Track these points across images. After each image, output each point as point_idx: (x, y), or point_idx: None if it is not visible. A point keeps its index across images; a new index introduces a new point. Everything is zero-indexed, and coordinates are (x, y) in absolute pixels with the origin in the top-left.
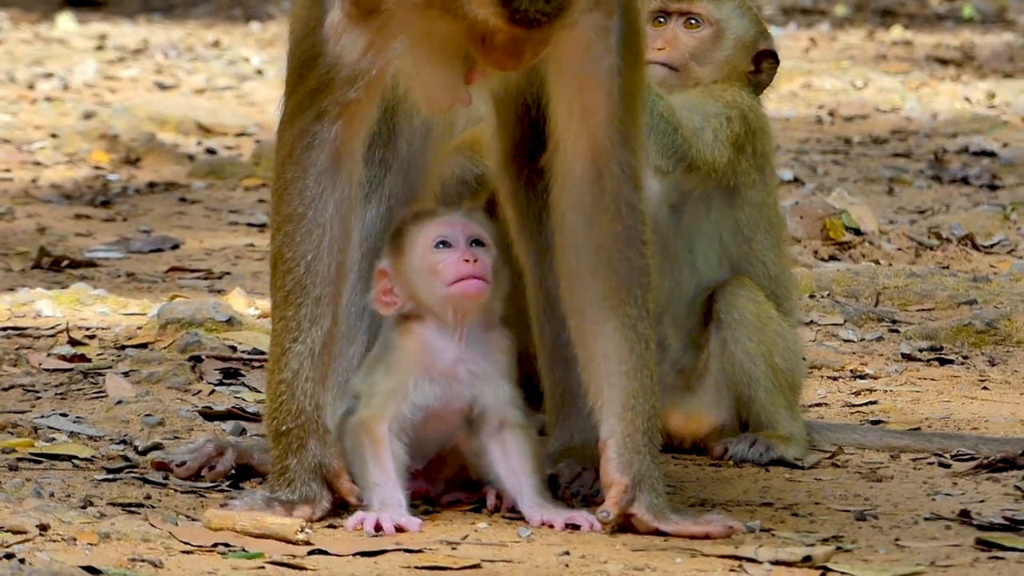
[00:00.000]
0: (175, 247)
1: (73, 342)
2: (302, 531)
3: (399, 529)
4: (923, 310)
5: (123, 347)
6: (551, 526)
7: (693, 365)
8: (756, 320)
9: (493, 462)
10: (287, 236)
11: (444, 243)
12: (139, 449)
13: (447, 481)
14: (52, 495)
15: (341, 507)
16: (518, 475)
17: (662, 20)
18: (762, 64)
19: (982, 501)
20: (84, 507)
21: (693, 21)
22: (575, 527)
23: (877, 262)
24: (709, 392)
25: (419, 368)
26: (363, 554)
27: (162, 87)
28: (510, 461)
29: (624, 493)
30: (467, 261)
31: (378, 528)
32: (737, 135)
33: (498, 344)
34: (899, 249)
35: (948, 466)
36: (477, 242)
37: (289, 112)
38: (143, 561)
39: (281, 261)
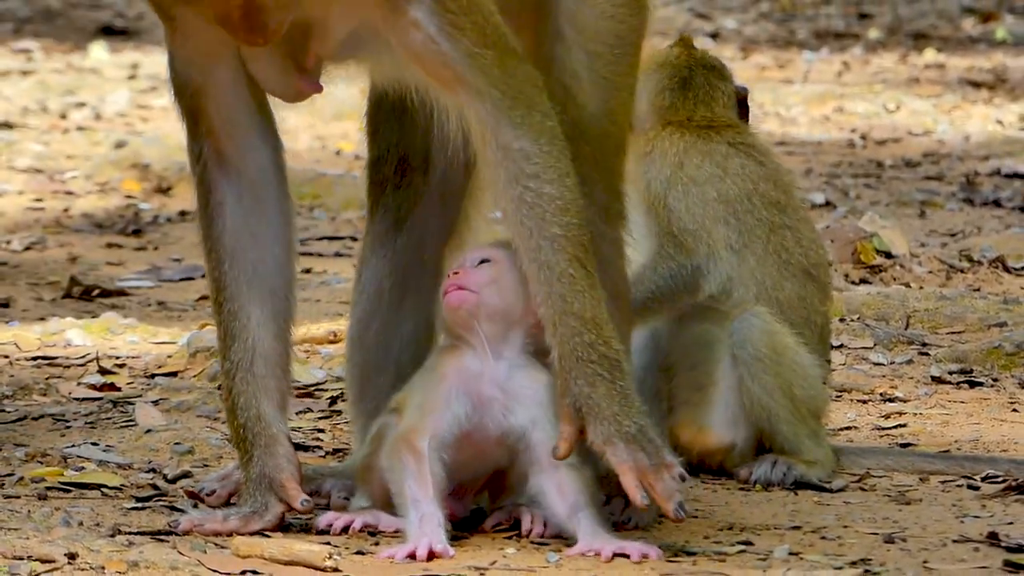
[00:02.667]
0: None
1: (103, 371)
2: (330, 558)
3: (432, 556)
4: (953, 333)
5: (153, 376)
6: (598, 553)
7: (710, 381)
8: (772, 353)
9: (552, 503)
10: (206, 257)
11: (458, 269)
12: (168, 477)
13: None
14: (81, 524)
15: (376, 535)
16: (576, 512)
17: None
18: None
19: (1011, 523)
20: (113, 535)
21: None
22: (625, 556)
23: (908, 285)
24: (724, 416)
25: (453, 385)
26: None
27: None
28: (567, 499)
29: (569, 424)
30: (455, 274)
31: (411, 556)
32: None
33: (542, 378)
34: (930, 272)
35: (977, 488)
36: (484, 260)
37: (187, 135)
38: None
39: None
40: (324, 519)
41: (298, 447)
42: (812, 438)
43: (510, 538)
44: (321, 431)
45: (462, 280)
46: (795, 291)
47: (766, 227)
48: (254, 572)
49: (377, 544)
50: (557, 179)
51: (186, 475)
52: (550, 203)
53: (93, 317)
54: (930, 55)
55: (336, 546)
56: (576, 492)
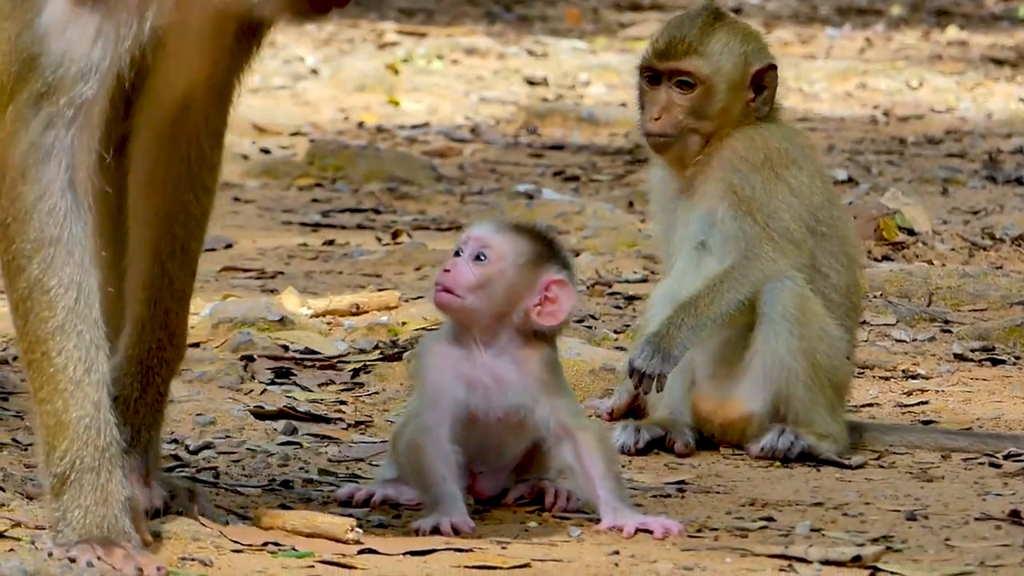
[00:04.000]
0: (228, 246)
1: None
2: (352, 530)
3: (456, 530)
4: (975, 310)
5: None
6: (620, 530)
7: (738, 356)
8: (800, 315)
9: (569, 471)
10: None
11: (457, 252)
12: (190, 448)
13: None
14: None
15: (399, 508)
16: (592, 480)
17: (653, 81)
18: (763, 80)
19: None
20: None
21: (684, 83)
22: (648, 531)
23: (930, 262)
24: (746, 382)
25: (447, 371)
26: (413, 553)
27: None
28: (585, 467)
29: None
30: (445, 271)
31: (436, 531)
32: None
33: (536, 356)
34: (952, 249)
35: (999, 466)
36: (479, 255)
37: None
38: (193, 560)
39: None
40: (345, 490)
41: (320, 419)
42: (829, 410)
43: (532, 512)
44: (343, 403)
45: (451, 281)
46: (844, 279)
47: (832, 222)
48: (276, 543)
49: (398, 517)
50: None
51: (208, 446)
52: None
53: None
54: (953, 32)
55: (359, 518)
56: (591, 460)
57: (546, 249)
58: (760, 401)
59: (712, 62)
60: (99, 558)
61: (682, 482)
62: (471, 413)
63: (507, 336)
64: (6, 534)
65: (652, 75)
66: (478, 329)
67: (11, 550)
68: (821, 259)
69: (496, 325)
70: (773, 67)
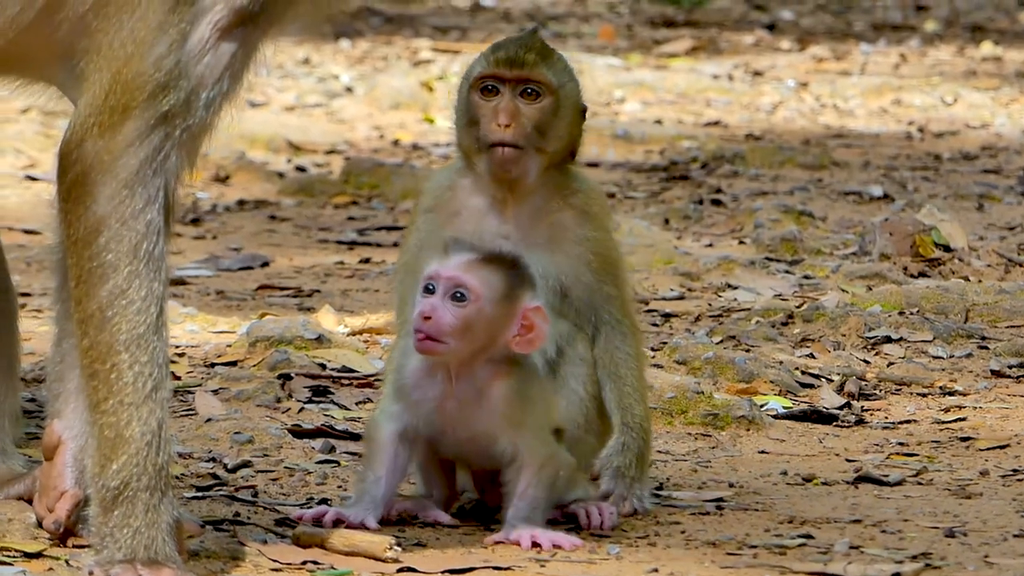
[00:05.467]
0: (265, 265)
1: (170, 361)
2: (391, 548)
3: (362, 525)
4: (1012, 326)
5: (212, 365)
6: (517, 543)
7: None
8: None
9: (507, 492)
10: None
11: (428, 288)
12: (228, 467)
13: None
14: None
15: (427, 524)
16: (511, 497)
17: (492, 89)
18: (583, 120)
19: None
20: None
21: (531, 91)
22: (538, 546)
23: (967, 279)
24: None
25: (416, 393)
26: (452, 571)
27: (252, 105)
28: (519, 489)
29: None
30: (425, 318)
31: (338, 522)
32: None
33: (503, 389)
34: (989, 266)
35: None
36: (457, 296)
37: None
38: None
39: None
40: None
41: (358, 437)
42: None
43: (570, 530)
44: None
45: (434, 329)
46: None
47: None
48: (315, 562)
49: (439, 540)
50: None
51: (246, 464)
52: None
53: None
54: (987, 48)
55: (397, 536)
56: (521, 482)
57: (518, 277)
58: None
59: (559, 76)
60: None
61: (720, 499)
62: (439, 427)
63: (480, 366)
64: (45, 553)
65: (490, 83)
66: (456, 364)
67: (50, 569)
68: None
69: (474, 359)
70: (586, 109)
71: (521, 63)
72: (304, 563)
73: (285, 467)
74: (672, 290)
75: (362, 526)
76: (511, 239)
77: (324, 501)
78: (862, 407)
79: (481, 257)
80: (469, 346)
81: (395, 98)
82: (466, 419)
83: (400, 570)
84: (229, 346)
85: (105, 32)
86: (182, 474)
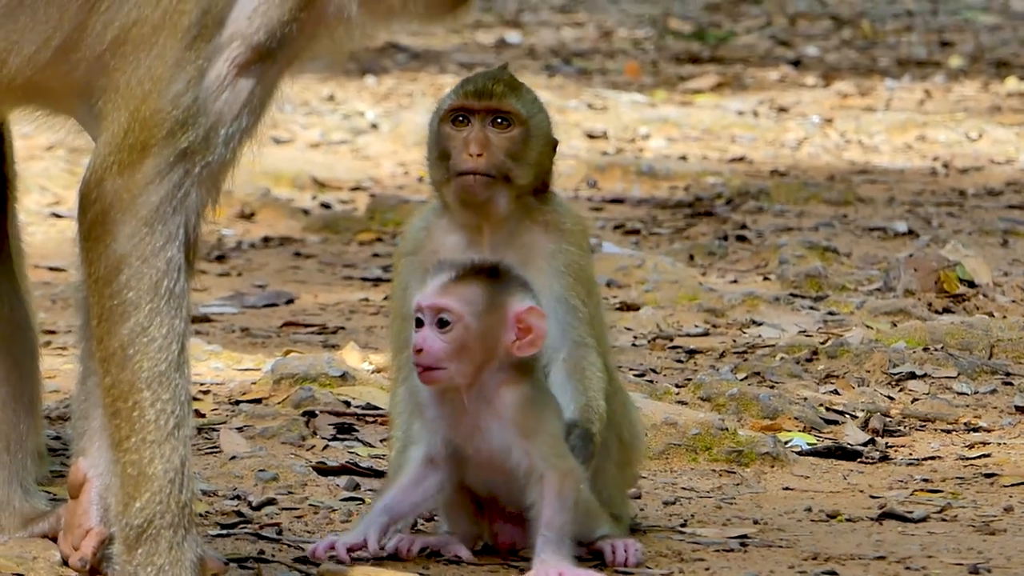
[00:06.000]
0: (289, 302)
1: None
2: None
3: (363, 545)
4: None
5: (237, 402)
6: None
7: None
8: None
9: (533, 514)
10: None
11: (418, 322)
12: (253, 504)
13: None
14: None
15: (451, 561)
16: (538, 525)
17: (463, 120)
18: (553, 154)
19: None
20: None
21: (501, 120)
22: None
23: (991, 315)
24: None
25: (433, 415)
26: None
27: (277, 142)
28: (539, 509)
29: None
30: (418, 351)
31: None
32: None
33: (513, 397)
34: (1013, 301)
35: None
36: (442, 322)
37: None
38: None
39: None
40: (393, 541)
41: (382, 475)
42: (622, 489)
43: (594, 566)
44: None
45: (428, 360)
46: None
47: None
48: None
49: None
50: None
51: (270, 502)
52: None
53: None
54: (1012, 83)
55: (422, 574)
56: (547, 506)
57: (499, 283)
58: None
59: (529, 107)
60: None
61: (744, 536)
62: (460, 450)
63: (489, 377)
64: None
65: (461, 114)
66: (463, 381)
67: None
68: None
69: (480, 372)
70: (557, 143)
71: (490, 94)
72: None
73: (310, 504)
74: (697, 326)
75: (363, 545)
76: None
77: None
78: (886, 443)
79: (458, 275)
80: (469, 364)
81: (420, 135)
82: (481, 433)
83: None
84: (254, 383)
85: (123, 71)
86: (207, 512)
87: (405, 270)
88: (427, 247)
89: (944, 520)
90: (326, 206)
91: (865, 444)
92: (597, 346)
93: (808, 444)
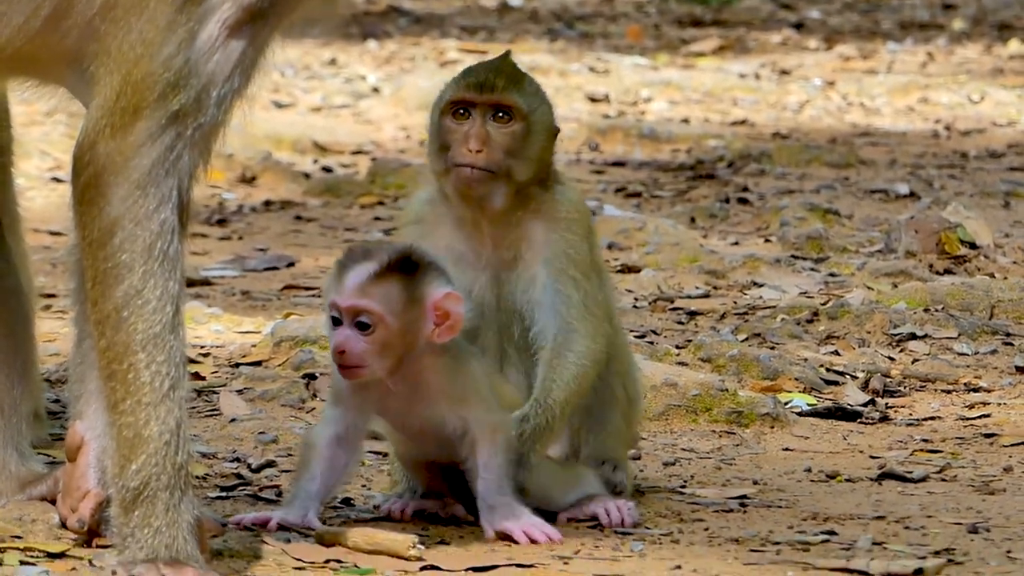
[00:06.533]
0: (290, 265)
1: (188, 360)
2: (414, 547)
3: (306, 527)
4: None
5: (237, 365)
6: (510, 537)
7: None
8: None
9: (469, 470)
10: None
11: (335, 319)
12: (252, 467)
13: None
14: None
15: (453, 521)
16: (475, 472)
17: (463, 113)
18: (555, 141)
19: None
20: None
21: (503, 115)
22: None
23: (992, 276)
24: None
25: (357, 397)
26: (475, 569)
27: (279, 105)
28: (473, 460)
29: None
30: (340, 353)
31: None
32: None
33: (436, 368)
34: (1014, 262)
35: None
36: (361, 324)
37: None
38: None
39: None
40: (387, 504)
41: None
42: (625, 447)
43: (592, 528)
44: None
45: (351, 360)
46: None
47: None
48: (338, 561)
49: (462, 538)
50: None
51: (270, 464)
52: None
53: None
54: (1015, 46)
55: (420, 535)
56: (481, 453)
57: (413, 274)
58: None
59: (530, 101)
60: None
61: (744, 497)
62: (391, 424)
63: (409, 361)
64: (68, 553)
65: (462, 107)
66: (387, 374)
67: (73, 569)
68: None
69: (402, 361)
70: (559, 131)
71: (492, 87)
72: (327, 562)
73: None
74: (697, 288)
75: (307, 527)
76: (489, 266)
77: (347, 500)
78: (886, 404)
79: (374, 274)
80: (391, 358)
81: (422, 99)
82: (410, 409)
83: (423, 568)
84: (254, 346)
85: (113, 35)
86: (206, 474)
87: (407, 238)
88: (429, 220)
89: (944, 480)
90: (327, 170)
91: (865, 405)
92: (599, 326)
93: (808, 405)
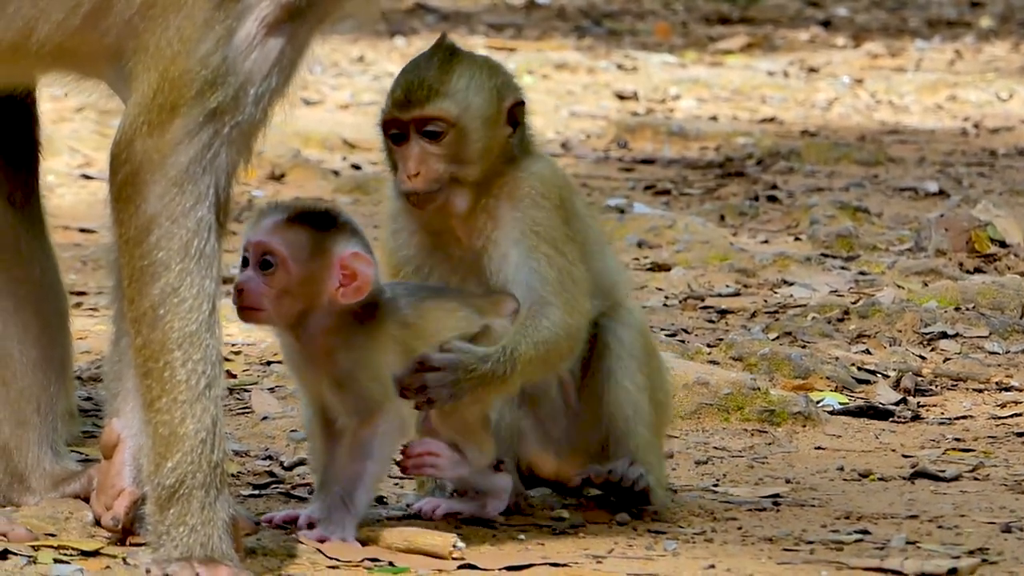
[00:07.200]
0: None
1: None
2: (455, 548)
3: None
4: None
5: (269, 363)
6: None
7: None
8: (643, 352)
9: (336, 454)
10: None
11: (245, 260)
12: (285, 465)
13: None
14: None
15: (484, 521)
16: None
17: (399, 138)
18: (517, 116)
19: None
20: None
21: (431, 129)
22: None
23: (1022, 274)
24: (587, 429)
25: (287, 362)
26: (511, 568)
27: (307, 103)
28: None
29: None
30: (239, 291)
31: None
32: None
33: (331, 346)
34: None
35: None
36: (265, 263)
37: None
38: None
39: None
40: (419, 504)
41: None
42: (659, 452)
43: (623, 526)
44: None
45: (249, 301)
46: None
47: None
48: (373, 560)
49: (495, 536)
50: None
51: (302, 462)
52: None
53: None
54: None
55: (460, 535)
56: (353, 455)
57: (327, 228)
58: (596, 444)
59: (459, 101)
60: (198, 575)
61: (777, 495)
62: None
63: (313, 322)
64: (102, 552)
65: (397, 130)
66: (288, 327)
67: (107, 568)
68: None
69: (305, 318)
70: (522, 103)
71: (415, 102)
72: (362, 560)
73: None
74: (728, 286)
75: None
76: (464, 255)
77: (380, 499)
78: (918, 403)
79: (288, 217)
80: (291, 308)
81: None
82: (316, 372)
83: (460, 567)
84: None
85: (152, 32)
86: (239, 472)
87: (387, 235)
88: (402, 216)
89: (976, 479)
90: (356, 167)
91: (897, 403)
92: (576, 301)
93: (840, 403)
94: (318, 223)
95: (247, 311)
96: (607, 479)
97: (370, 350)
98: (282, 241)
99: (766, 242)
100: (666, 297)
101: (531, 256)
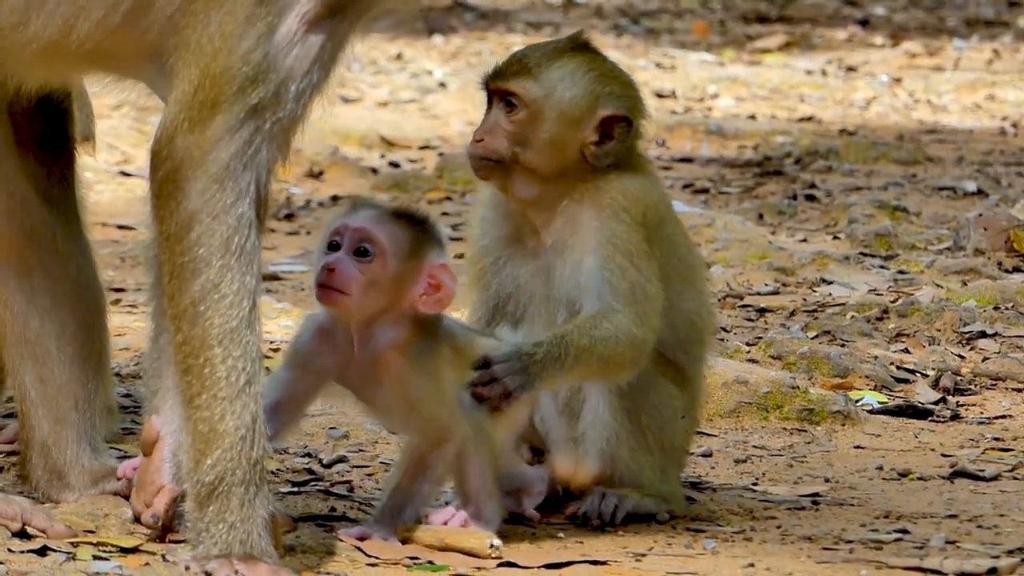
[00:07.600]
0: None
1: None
2: (492, 547)
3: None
4: None
5: None
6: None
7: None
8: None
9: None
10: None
11: (334, 245)
12: (324, 462)
13: None
14: None
15: (522, 520)
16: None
17: (488, 103)
18: (612, 130)
19: None
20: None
21: (510, 104)
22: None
23: None
24: (581, 445)
25: (314, 359)
26: (549, 566)
27: (345, 100)
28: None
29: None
30: (329, 271)
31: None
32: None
33: (394, 365)
34: None
35: None
36: (361, 251)
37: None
38: (328, 574)
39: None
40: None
41: None
42: (656, 472)
43: (663, 524)
44: None
45: (338, 282)
46: (691, 334)
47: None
48: (413, 558)
49: (534, 534)
50: None
51: (341, 460)
52: None
53: None
54: None
55: (498, 532)
56: (409, 476)
57: (425, 234)
58: (594, 464)
59: (544, 87)
60: (237, 572)
61: (816, 494)
62: (352, 392)
63: (380, 331)
64: (141, 548)
65: (488, 96)
66: (358, 324)
67: (146, 564)
68: (672, 315)
69: (377, 318)
70: (626, 120)
71: (500, 74)
72: (402, 559)
73: (380, 462)
74: (767, 285)
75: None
76: (539, 255)
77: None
78: (957, 402)
79: (390, 212)
80: (374, 302)
81: None
82: (364, 388)
83: (499, 564)
84: None
85: (193, 28)
86: (278, 469)
87: (476, 224)
88: (491, 208)
89: (1016, 479)
90: (395, 165)
91: (936, 403)
92: (646, 316)
93: (879, 403)
94: (417, 223)
95: (332, 292)
96: (582, 515)
97: (435, 377)
98: (385, 232)
99: (805, 241)
100: None
101: (605, 266)
